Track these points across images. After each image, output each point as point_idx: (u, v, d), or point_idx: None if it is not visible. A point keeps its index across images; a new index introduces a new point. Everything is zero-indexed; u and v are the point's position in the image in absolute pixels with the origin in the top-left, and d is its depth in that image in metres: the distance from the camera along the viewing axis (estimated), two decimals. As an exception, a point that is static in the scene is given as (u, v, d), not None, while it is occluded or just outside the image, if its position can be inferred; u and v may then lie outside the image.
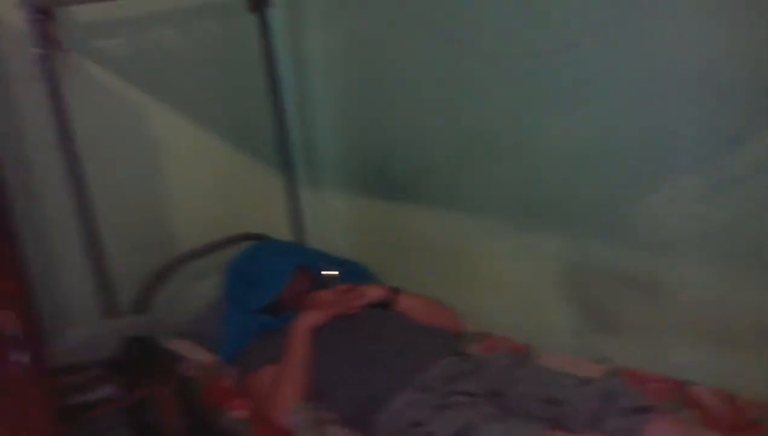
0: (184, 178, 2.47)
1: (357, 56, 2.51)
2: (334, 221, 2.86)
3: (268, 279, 2.19)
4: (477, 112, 2.16)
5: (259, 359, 1.99)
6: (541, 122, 1.99)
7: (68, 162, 2.09)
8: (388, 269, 2.57)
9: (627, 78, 1.77)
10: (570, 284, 2.08)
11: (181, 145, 2.45)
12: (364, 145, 2.62)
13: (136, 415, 2.26)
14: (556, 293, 2.12)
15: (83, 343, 1.99)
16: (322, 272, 2.24)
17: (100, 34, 2.19)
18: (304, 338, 1.93)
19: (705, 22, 1.60)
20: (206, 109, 2.50)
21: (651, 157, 1.78)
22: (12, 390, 1.32)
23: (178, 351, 2.19)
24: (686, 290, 1.81)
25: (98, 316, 2.23)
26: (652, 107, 1.74)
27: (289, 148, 2.71)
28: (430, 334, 2.00)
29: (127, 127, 2.30)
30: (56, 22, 1.95)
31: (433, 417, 1.62)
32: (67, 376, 1.83)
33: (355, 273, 2.44)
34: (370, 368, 1.83)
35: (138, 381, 1.87)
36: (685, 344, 1.85)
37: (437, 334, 2.01)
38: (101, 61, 2.19)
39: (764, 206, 1.62)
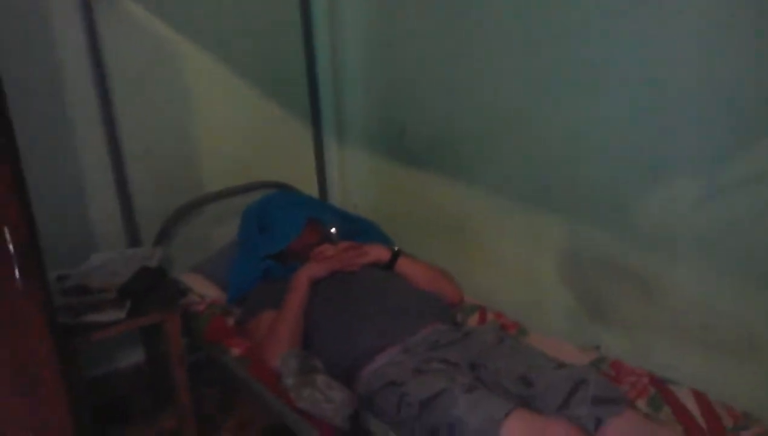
0: (215, 121, 2.56)
1: (385, 26, 2.56)
2: (356, 178, 2.93)
3: (280, 228, 2.28)
4: (493, 91, 2.18)
5: (260, 303, 2.09)
6: (557, 106, 1.99)
7: (101, 98, 2.20)
8: (399, 230, 2.64)
9: (640, 68, 1.76)
10: (568, 269, 2.11)
11: (215, 88, 2.53)
12: (387, 110, 2.67)
13: (144, 340, 2.41)
14: (554, 276, 2.16)
15: (101, 267, 2.13)
16: (329, 228, 2.31)
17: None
18: (302, 288, 2.02)
19: (713, 27, 1.59)
20: (243, 58, 2.58)
21: (658, 154, 1.77)
22: (8, 307, 1.43)
23: (189, 285, 2.30)
24: (679, 290, 1.82)
25: (123, 246, 2.37)
26: (664, 104, 1.73)
27: (320, 104, 2.77)
28: (423, 299, 2.06)
29: (161, 67, 2.39)
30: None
31: (409, 379, 1.69)
32: (81, 296, 1.96)
33: (367, 230, 2.51)
34: (358, 324, 1.91)
35: (147, 308, 1.99)
36: (672, 343, 1.87)
37: (431, 300, 2.07)
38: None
39: (756, 215, 1.61)
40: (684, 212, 1.75)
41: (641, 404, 1.70)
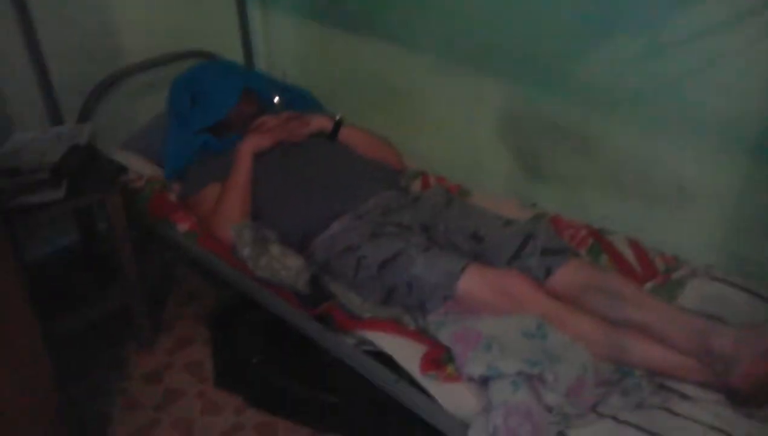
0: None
1: None
2: (284, 45, 2.82)
3: (214, 99, 2.20)
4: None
5: (202, 178, 2.05)
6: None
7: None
8: (335, 99, 2.60)
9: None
10: (507, 130, 2.17)
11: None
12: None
13: (82, 222, 2.33)
14: (494, 137, 2.21)
15: (28, 147, 2.01)
16: (271, 98, 2.25)
17: None
18: (247, 160, 1.99)
19: None
20: None
21: (597, 14, 1.80)
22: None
23: (124, 162, 2.22)
24: (614, 147, 1.92)
25: (43, 125, 2.23)
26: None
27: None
28: (370, 167, 2.08)
29: None
30: None
31: (365, 243, 1.73)
32: (11, 178, 1.86)
33: (301, 100, 2.46)
34: (309, 194, 1.92)
35: (84, 187, 1.91)
36: (608, 196, 1.99)
37: (377, 167, 2.09)
38: None
39: (699, 72, 1.68)
40: (623, 71, 1.81)
41: (581, 253, 1.82)
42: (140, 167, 2.26)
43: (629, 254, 1.81)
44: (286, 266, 1.79)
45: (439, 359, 1.49)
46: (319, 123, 2.15)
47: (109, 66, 2.36)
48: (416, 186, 2.21)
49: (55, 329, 1.93)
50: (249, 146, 2.01)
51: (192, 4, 2.57)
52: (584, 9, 1.82)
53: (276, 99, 2.25)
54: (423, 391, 1.46)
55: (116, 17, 2.36)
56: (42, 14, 2.13)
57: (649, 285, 1.70)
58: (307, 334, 1.71)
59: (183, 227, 2.04)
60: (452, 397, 1.43)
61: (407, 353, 1.52)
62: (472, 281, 1.57)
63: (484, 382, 1.40)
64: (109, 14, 2.34)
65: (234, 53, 2.74)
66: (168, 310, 2.32)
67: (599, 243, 1.86)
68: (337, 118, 2.17)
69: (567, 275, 1.63)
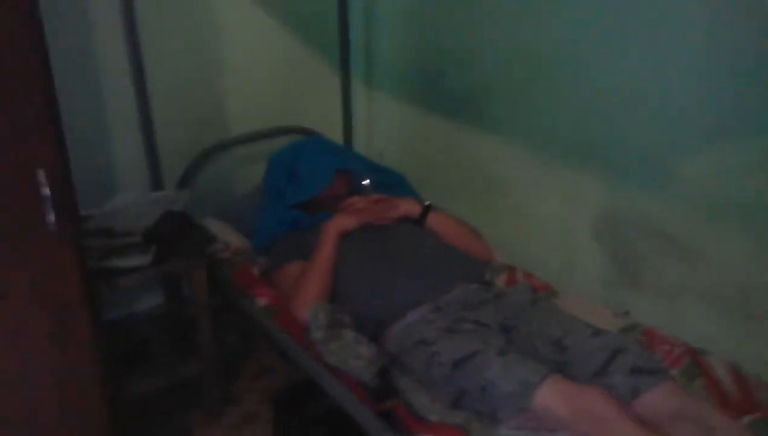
0: (244, 61, 2.48)
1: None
2: (384, 126, 2.85)
3: (309, 177, 2.22)
4: (540, 40, 2.09)
5: (287, 254, 2.05)
6: (606, 60, 1.90)
7: (128, 32, 2.12)
8: (428, 183, 2.58)
9: (699, 23, 1.67)
10: (604, 231, 2.05)
11: (245, 27, 2.44)
12: (423, 55, 2.57)
13: (169, 286, 2.38)
14: (589, 237, 2.10)
15: (125, 210, 2.09)
16: (361, 181, 2.25)
17: None
18: (332, 240, 1.97)
19: None
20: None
21: (709, 117, 1.70)
22: (43, 251, 1.39)
23: (214, 231, 2.26)
24: (718, 260, 1.77)
25: (146, 188, 2.33)
26: (719, 62, 1.65)
27: (350, 48, 2.67)
28: (455, 256, 2.01)
29: (190, 3, 2.29)
30: None
31: (440, 338, 1.65)
32: (105, 239, 1.92)
33: (394, 183, 2.45)
34: (389, 281, 1.87)
35: (173, 254, 1.96)
36: (708, 313, 1.82)
37: (462, 258, 2.03)
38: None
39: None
40: (732, 180, 1.68)
41: (674, 373, 1.66)
42: (229, 237, 2.30)
43: (728, 380, 1.63)
44: (358, 354, 1.73)
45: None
46: (407, 207, 2.12)
47: (213, 135, 2.45)
48: (502, 281, 2.12)
49: (127, 390, 1.96)
50: (335, 227, 2.00)
51: (298, 81, 2.65)
52: (697, 107, 1.72)
53: (366, 181, 2.24)
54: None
55: (225, 89, 2.46)
56: (155, 82, 2.24)
57: (747, 419, 1.52)
58: (368, 432, 1.62)
59: (262, 301, 2.03)
60: None
61: (471, 466, 1.41)
62: (551, 395, 1.45)
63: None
64: (218, 86, 2.45)
65: (334, 131, 2.79)
66: (239, 382, 2.30)
67: (695, 364, 1.69)
68: (426, 203, 2.14)
69: (657, 399, 1.48)
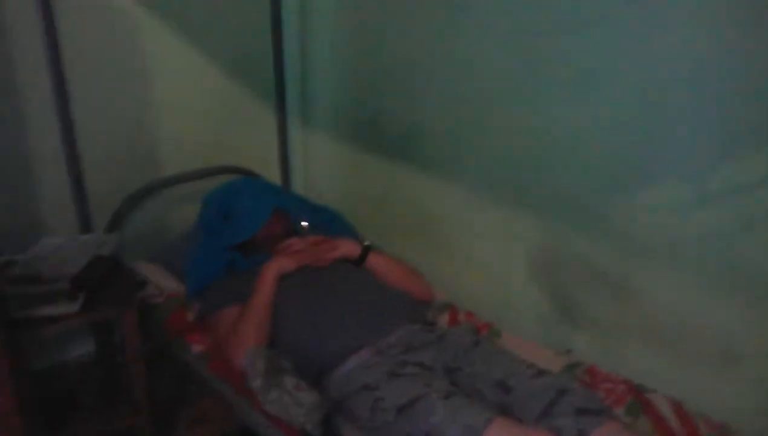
0: (176, 99, 2.42)
1: (360, 5, 2.45)
2: (321, 166, 2.84)
3: (245, 217, 2.17)
4: (474, 85, 2.12)
5: (223, 298, 1.98)
6: (538, 105, 1.95)
7: (54, 69, 2.05)
8: (367, 222, 2.56)
9: (630, 74, 1.72)
10: (542, 270, 2.08)
11: (177, 65, 2.40)
12: (359, 96, 2.58)
13: (99, 334, 2.27)
14: (527, 276, 2.12)
15: (51, 254, 1.98)
16: (299, 221, 2.22)
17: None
18: (270, 283, 1.92)
19: (702, 32, 1.57)
20: (207, 34, 2.45)
21: (639, 160, 1.75)
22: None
23: (145, 275, 2.18)
24: (654, 298, 1.81)
25: (74, 231, 2.22)
26: (647, 111, 1.71)
27: (285, 87, 2.66)
28: (395, 298, 1.99)
29: (119, 40, 2.23)
30: None
31: (384, 383, 1.62)
32: (30, 286, 1.82)
33: (333, 221, 2.42)
34: (329, 325, 1.83)
35: (102, 300, 1.86)
36: (647, 350, 1.86)
37: (403, 299, 2.01)
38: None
39: (740, 226, 1.60)
40: (665, 219, 1.73)
41: (618, 411, 1.68)
42: (162, 281, 2.21)
43: (672, 417, 1.65)
44: (299, 401, 1.67)
45: None
46: (347, 248, 2.09)
47: (145, 176, 2.38)
48: (443, 320, 2.11)
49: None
50: (273, 269, 1.95)
51: (233, 120, 2.61)
52: (628, 150, 1.77)
53: (305, 223, 2.21)
54: None
55: (157, 127, 2.40)
56: (82, 120, 2.16)
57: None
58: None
59: (197, 348, 1.96)
60: None
61: None
62: (497, 439, 1.43)
63: None
64: (148, 125, 2.38)
65: (271, 171, 2.75)
66: (177, 431, 2.19)
67: (639, 402, 1.71)
68: (366, 243, 2.11)
69: (601, 438, 1.48)
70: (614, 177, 1.82)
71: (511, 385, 1.62)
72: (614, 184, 1.82)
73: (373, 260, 2.10)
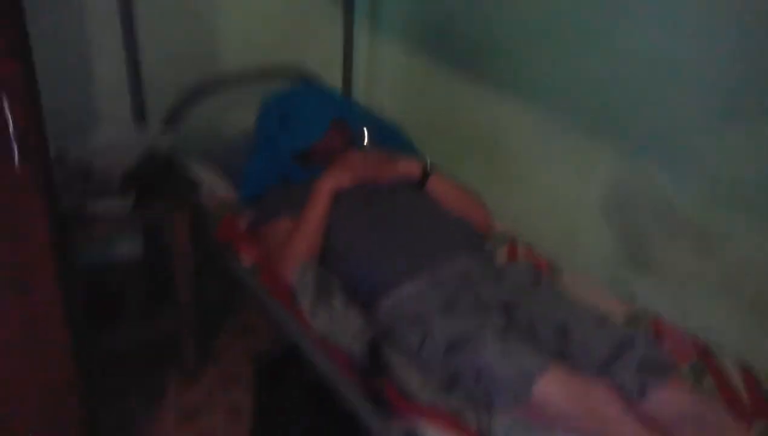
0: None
1: None
2: (385, 76, 2.68)
3: (304, 125, 2.06)
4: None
5: (276, 208, 1.91)
6: (630, 22, 1.76)
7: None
8: (428, 140, 2.42)
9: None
10: (615, 207, 1.93)
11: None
12: (432, 2, 2.38)
13: (148, 233, 2.24)
14: (596, 212, 1.98)
15: (105, 147, 1.93)
16: (360, 135, 2.10)
17: None
18: (325, 198, 1.83)
19: None
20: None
21: (742, 96, 1.57)
22: (8, 193, 1.23)
23: (200, 177, 2.12)
24: (741, 250, 1.66)
25: (129, 122, 2.16)
26: (754, 44, 1.51)
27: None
28: (454, 225, 1.88)
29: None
30: None
31: (437, 315, 1.55)
32: (82, 179, 1.78)
33: (394, 138, 2.30)
34: (385, 247, 1.74)
35: (154, 199, 1.82)
36: (721, 306, 1.73)
37: (463, 227, 1.90)
38: None
39: None
40: (763, 167, 1.56)
41: (681, 370, 1.58)
42: (215, 184, 2.14)
43: (738, 382, 1.55)
44: (346, 323, 1.63)
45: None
46: (408, 168, 1.99)
47: (203, 72, 2.27)
48: (502, 254, 2.01)
49: (99, 344, 1.84)
50: (328, 183, 1.86)
51: (296, 20, 2.47)
52: (730, 85, 1.59)
53: (365, 138, 2.09)
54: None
55: (217, 23, 2.28)
56: (142, 9, 2.06)
57: (761, 424, 1.44)
58: (355, 410, 1.52)
59: (247, 258, 1.90)
60: None
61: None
62: (552, 387, 1.35)
63: None
64: (210, 19, 2.26)
65: (333, 76, 2.62)
66: (219, 340, 2.19)
67: (705, 362, 1.61)
68: (428, 164, 2.00)
69: (665, 398, 1.39)
70: (710, 113, 1.64)
71: (571, 330, 1.53)
72: (710, 121, 1.65)
73: (434, 183, 1.99)
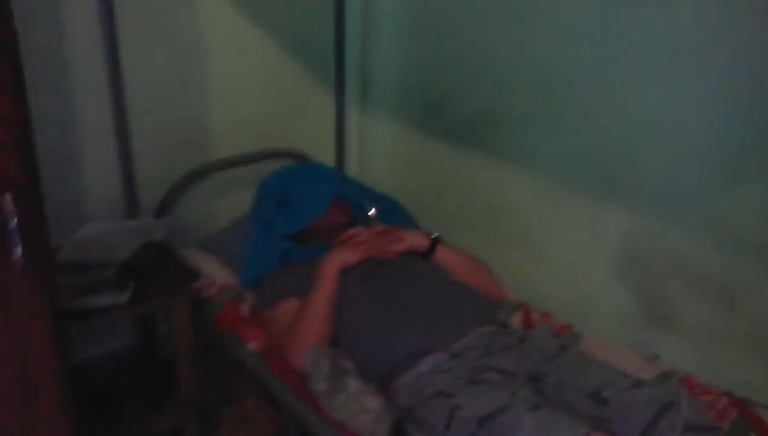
0: (229, 78, 2.27)
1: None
2: (380, 152, 2.66)
3: (302, 204, 2.03)
4: (554, 62, 1.93)
5: (280, 290, 1.84)
6: (631, 83, 1.76)
7: (106, 45, 1.92)
8: (428, 214, 2.39)
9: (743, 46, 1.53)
10: (629, 267, 1.89)
11: (231, 42, 2.24)
12: (424, 78, 2.39)
13: (141, 325, 2.15)
14: (610, 272, 1.93)
15: (98, 240, 1.87)
16: (366, 211, 2.06)
17: None
18: (332, 277, 1.77)
19: None
20: (265, 11, 2.27)
21: (754, 148, 1.56)
22: (11, 289, 1.16)
23: (197, 265, 2.04)
24: (764, 303, 1.62)
25: (120, 216, 2.10)
26: (744, 95, 1.51)
27: (345, 68, 2.49)
28: (468, 296, 1.81)
29: (173, 15, 2.09)
30: None
31: (461, 390, 1.46)
32: (76, 274, 1.70)
33: (394, 212, 2.26)
34: (398, 324, 1.66)
35: (152, 290, 1.74)
36: (751, 359, 1.67)
37: (476, 297, 1.83)
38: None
39: None
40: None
41: (723, 428, 1.49)
42: (215, 271, 2.07)
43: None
44: (365, 407, 1.53)
45: None
46: (414, 240, 1.93)
47: (195, 159, 2.24)
48: (516, 321, 1.93)
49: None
50: (336, 261, 1.80)
51: (288, 101, 2.45)
52: (740, 137, 1.58)
53: (372, 211, 2.05)
54: None
55: (209, 109, 2.25)
56: (133, 100, 2.03)
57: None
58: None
59: (252, 345, 1.81)
60: None
61: None
62: (596, 458, 1.26)
63: None
64: (202, 105, 2.24)
65: (326, 155, 2.60)
66: (219, 430, 2.06)
67: (745, 418, 1.52)
68: (434, 236, 1.95)
69: (715, 462, 1.30)
70: (724, 166, 1.62)
71: (607, 397, 1.44)
72: (723, 174, 1.63)
73: (442, 254, 1.94)
